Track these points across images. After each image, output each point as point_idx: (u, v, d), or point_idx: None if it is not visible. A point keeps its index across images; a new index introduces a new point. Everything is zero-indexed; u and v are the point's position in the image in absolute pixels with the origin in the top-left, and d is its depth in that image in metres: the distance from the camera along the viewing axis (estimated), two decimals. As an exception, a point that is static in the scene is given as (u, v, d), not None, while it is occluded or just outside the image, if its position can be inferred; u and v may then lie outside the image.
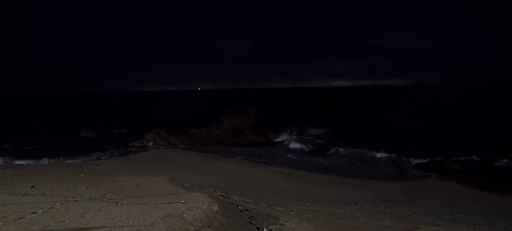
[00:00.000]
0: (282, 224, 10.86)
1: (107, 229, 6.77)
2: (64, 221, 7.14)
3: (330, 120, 57.64)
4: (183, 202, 9.78)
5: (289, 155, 32.95)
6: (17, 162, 28.10)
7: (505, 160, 27.43)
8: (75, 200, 9.40)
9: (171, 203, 9.57)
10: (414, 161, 28.23)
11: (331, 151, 33.97)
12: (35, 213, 7.66)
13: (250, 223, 10.43)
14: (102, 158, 30.46)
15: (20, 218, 7.23)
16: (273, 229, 10.12)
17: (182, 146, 37.08)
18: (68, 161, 28.36)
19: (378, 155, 31.38)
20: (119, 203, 9.29)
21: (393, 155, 30.75)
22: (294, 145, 37.73)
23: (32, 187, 11.47)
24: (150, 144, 36.29)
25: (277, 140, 41.48)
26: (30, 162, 27.93)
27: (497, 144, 33.24)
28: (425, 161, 28.21)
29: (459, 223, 14.75)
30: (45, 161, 27.81)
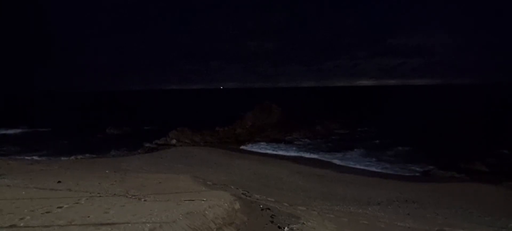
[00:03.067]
0: (304, 223, 10.77)
1: (130, 225, 6.85)
2: (88, 216, 7.27)
3: (354, 119, 56.90)
4: (205, 199, 9.82)
5: (311, 154, 32.70)
6: (45, 158, 28.95)
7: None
8: (100, 196, 9.57)
9: (193, 200, 9.62)
10: (440, 162, 27.53)
11: (355, 150, 33.52)
12: (61, 207, 7.83)
13: (272, 222, 10.39)
14: (126, 155, 31.00)
15: (47, 212, 7.40)
16: (295, 228, 10.05)
17: (205, 144, 37.36)
18: (93, 157, 29.01)
19: (403, 154, 30.75)
20: (142, 200, 9.41)
21: (419, 154, 30.08)
22: (317, 144, 37.46)
23: (59, 182, 11.74)
24: (174, 141, 36.72)
25: (301, 138, 41.25)
26: (58, 158, 28.69)
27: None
28: (451, 162, 27.49)
29: (485, 226, 14.28)
30: (72, 157, 28.51)
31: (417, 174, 25.39)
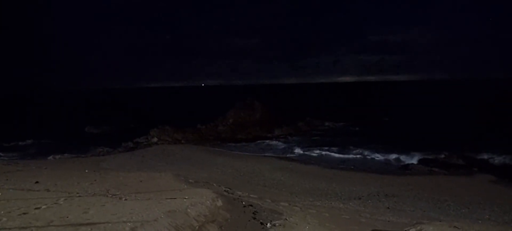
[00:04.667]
0: (286, 219, 10.84)
1: (110, 224, 6.78)
2: (67, 217, 7.16)
3: (335, 115, 57.45)
4: (187, 197, 9.79)
5: (294, 151, 32.86)
6: (22, 159, 28.31)
7: (509, 156, 27.26)
8: (79, 196, 9.43)
9: (175, 198, 9.58)
10: (419, 156, 28.06)
11: (336, 146, 33.82)
12: (38, 208, 7.68)
13: (254, 218, 10.43)
14: (106, 154, 30.54)
15: (24, 213, 7.25)
16: (277, 224, 10.11)
17: (187, 141, 37.10)
18: (72, 157, 28.49)
19: (383, 149, 31.23)
20: (123, 199, 9.32)
21: (398, 149, 30.58)
22: (299, 141, 37.69)
23: (37, 182, 11.52)
24: (155, 139, 36.33)
25: (283, 135, 41.38)
26: (35, 158, 28.08)
27: (503, 140, 33.11)
28: (430, 156, 28.08)
29: (462, 218, 14.66)
30: (49, 157, 27.92)
31: (397, 169, 25.81)
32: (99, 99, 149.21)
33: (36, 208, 7.68)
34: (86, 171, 16.41)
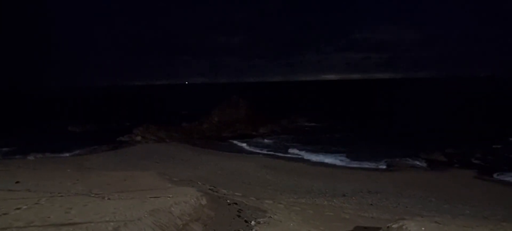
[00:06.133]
0: (270, 217, 10.91)
1: (92, 224, 6.72)
2: (49, 217, 7.07)
3: (321, 112, 57.86)
4: (171, 196, 9.76)
5: (278, 148, 32.92)
6: (2, 158, 27.75)
7: (489, 153, 27.96)
8: (61, 196, 9.32)
9: (158, 197, 9.54)
10: (403, 153, 28.45)
11: (321, 142, 34.07)
12: (19, 209, 7.57)
13: (239, 216, 10.46)
14: (89, 153, 30.12)
15: (4, 214, 7.14)
16: (261, 222, 10.16)
17: (171, 140, 36.85)
18: (54, 157, 28.05)
19: (367, 146, 31.58)
20: (106, 198, 9.24)
21: (382, 146, 30.99)
22: (284, 138, 37.82)
23: (17, 182, 11.34)
24: (139, 138, 35.98)
25: (267, 133, 41.45)
26: (16, 157, 27.54)
27: (483, 136, 33.90)
28: (413, 153, 28.49)
29: (444, 213, 14.97)
30: (30, 156, 27.42)
31: (381, 165, 26.12)
32: (81, 97, 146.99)
33: (16, 209, 7.57)
34: (68, 170, 16.20)
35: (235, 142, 36.49)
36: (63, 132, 44.71)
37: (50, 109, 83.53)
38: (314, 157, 28.97)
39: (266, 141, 37.21)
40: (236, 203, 11.83)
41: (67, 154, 29.40)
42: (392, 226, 9.67)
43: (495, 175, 22.12)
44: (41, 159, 26.50)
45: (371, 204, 16.27)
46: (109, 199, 9.24)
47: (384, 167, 25.69)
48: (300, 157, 29.47)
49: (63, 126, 47.66)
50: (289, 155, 30.11)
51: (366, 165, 26.16)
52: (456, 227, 7.95)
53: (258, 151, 32.28)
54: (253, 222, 10.03)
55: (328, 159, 28.17)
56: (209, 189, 14.69)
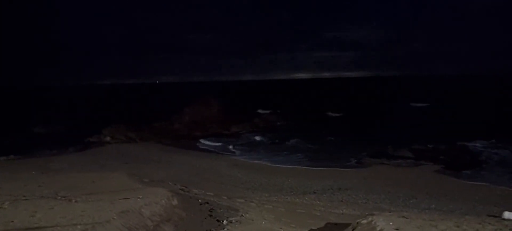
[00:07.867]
0: (242, 215, 10.93)
1: (59, 228, 6.55)
2: (12, 221, 6.83)
3: (292, 111, 58.36)
4: (141, 197, 9.62)
5: (250, 147, 33.02)
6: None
7: (455, 150, 28.96)
8: (25, 199, 9.01)
9: (128, 198, 9.38)
10: (372, 150, 29.05)
11: (292, 141, 34.36)
12: (-20, 213, 7.27)
13: (210, 215, 10.43)
14: (55, 154, 29.21)
15: (-36, 219, 6.85)
16: (233, 221, 10.17)
17: (142, 140, 36.29)
18: (18, 158, 27.03)
19: (336, 144, 32.15)
20: (73, 200, 9.00)
21: (350, 143, 31.61)
22: (256, 137, 37.93)
23: (-22, 186, 10.88)
24: (108, 138, 35.23)
25: (239, 132, 41.48)
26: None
27: (448, 131, 35.14)
28: (381, 150, 29.11)
29: (411, 208, 15.47)
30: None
31: (350, 162, 26.60)
32: (48, 97, 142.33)
33: (-23, 214, 7.28)
34: (33, 172, 15.69)
35: (206, 141, 36.26)
36: (28, 133, 43.17)
37: (15, 110, 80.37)
38: (284, 155, 29.19)
39: (238, 139, 37.20)
40: (208, 203, 11.80)
41: (32, 156, 28.37)
42: (362, 221, 9.89)
43: (459, 172, 22.93)
44: (4, 161, 25.52)
45: (342, 201, 16.58)
46: (76, 201, 9.02)
47: (354, 164, 26.18)
48: (270, 155, 29.59)
49: (28, 127, 46.03)
50: (260, 154, 30.20)
51: (336, 162, 26.57)
52: (422, 221, 8.21)
53: (230, 149, 32.21)
54: (225, 221, 10.03)
55: (299, 157, 28.45)
56: (180, 189, 14.57)
